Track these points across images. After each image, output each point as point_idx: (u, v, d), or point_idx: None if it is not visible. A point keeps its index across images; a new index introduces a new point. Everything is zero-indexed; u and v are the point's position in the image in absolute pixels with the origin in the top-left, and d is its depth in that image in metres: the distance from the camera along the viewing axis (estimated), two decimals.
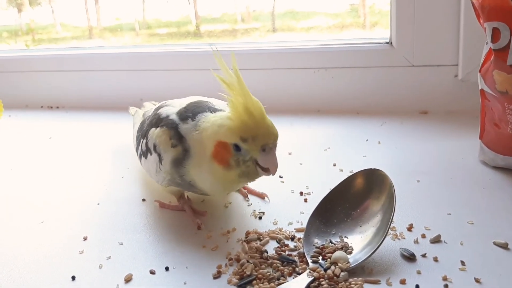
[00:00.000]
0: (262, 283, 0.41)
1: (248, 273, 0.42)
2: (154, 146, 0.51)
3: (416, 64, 0.80)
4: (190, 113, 0.50)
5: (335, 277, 0.41)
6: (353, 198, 0.48)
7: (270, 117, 0.46)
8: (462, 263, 0.42)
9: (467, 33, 0.74)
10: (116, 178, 0.64)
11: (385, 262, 0.43)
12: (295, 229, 0.49)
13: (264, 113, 0.45)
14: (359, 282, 0.40)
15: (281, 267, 0.43)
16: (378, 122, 0.78)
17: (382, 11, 0.91)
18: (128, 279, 0.43)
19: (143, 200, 0.58)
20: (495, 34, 0.54)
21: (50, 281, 0.43)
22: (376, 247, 0.42)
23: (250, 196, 0.56)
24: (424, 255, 0.44)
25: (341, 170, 0.62)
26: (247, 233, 0.49)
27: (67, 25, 1.15)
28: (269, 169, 0.46)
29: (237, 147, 0.45)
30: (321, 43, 0.87)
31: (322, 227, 0.47)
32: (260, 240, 0.47)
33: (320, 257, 0.43)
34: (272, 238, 0.48)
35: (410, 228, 0.48)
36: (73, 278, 0.44)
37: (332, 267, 0.42)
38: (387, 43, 0.82)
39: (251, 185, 0.58)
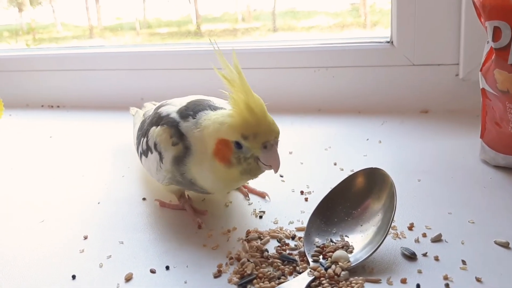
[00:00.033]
0: (263, 282, 0.41)
1: (248, 272, 0.42)
2: (155, 145, 0.51)
3: (417, 63, 0.80)
4: (191, 111, 0.50)
5: (335, 276, 0.41)
6: (354, 197, 0.48)
7: (271, 116, 0.46)
8: (463, 262, 0.42)
9: (468, 32, 0.74)
10: (116, 177, 0.64)
11: (386, 261, 0.43)
12: (295, 228, 0.49)
13: (265, 110, 0.45)
14: (360, 281, 0.40)
15: (282, 266, 0.43)
16: (379, 121, 0.78)
17: (383, 10, 0.91)
18: (128, 278, 0.43)
19: (144, 199, 0.58)
20: (496, 33, 0.54)
21: (51, 280, 0.43)
22: (377, 246, 0.42)
23: (250, 195, 0.56)
24: (425, 254, 0.44)
25: (342, 169, 0.62)
26: (248, 232, 0.49)
27: (67, 25, 1.15)
28: (272, 166, 0.46)
29: (238, 145, 0.45)
30: (322, 42, 0.87)
31: (322, 226, 0.47)
32: (261, 239, 0.47)
33: (321, 256, 0.43)
34: (273, 237, 0.48)
35: (411, 227, 0.48)
36: (74, 277, 0.44)
37: (333, 266, 0.42)
38: (388, 42, 0.82)
39: (252, 184, 0.58)
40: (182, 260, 0.45)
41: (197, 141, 0.48)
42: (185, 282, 0.42)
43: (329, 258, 0.43)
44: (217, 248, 0.47)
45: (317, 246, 0.45)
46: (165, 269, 0.44)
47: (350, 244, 0.45)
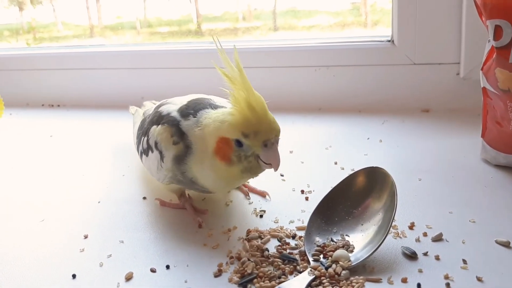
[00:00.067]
0: (263, 281, 0.41)
1: (249, 271, 0.42)
2: (156, 144, 0.51)
3: (417, 62, 0.79)
4: (192, 110, 0.50)
5: (336, 276, 0.41)
6: (355, 196, 0.48)
7: (272, 114, 0.46)
8: (464, 261, 0.42)
9: (469, 31, 0.74)
10: (116, 176, 0.64)
11: (386, 261, 0.43)
12: (296, 227, 0.49)
13: (266, 108, 0.45)
14: (361, 281, 0.40)
15: (282, 265, 0.43)
16: (380, 120, 0.78)
17: (384, 9, 0.91)
18: (128, 277, 0.43)
19: (144, 198, 0.58)
20: (497, 32, 0.54)
21: (51, 280, 0.43)
22: (377, 246, 0.42)
23: (251, 194, 0.56)
24: (425, 254, 0.43)
25: (343, 169, 0.62)
26: (248, 232, 0.48)
27: (68, 24, 1.15)
28: (272, 164, 0.46)
29: (238, 143, 0.45)
30: (323, 41, 0.86)
31: (323, 225, 0.47)
32: (261, 239, 0.47)
33: (321, 256, 0.43)
34: (273, 236, 0.48)
35: (411, 227, 0.48)
36: (74, 276, 0.43)
37: (334, 266, 0.42)
38: (389, 41, 0.82)
39: (252, 183, 0.58)
40: (183, 259, 0.45)
41: (197, 139, 0.48)
42: (186, 281, 0.42)
43: (330, 258, 0.43)
44: (218, 247, 0.47)
45: (317, 245, 0.45)
46: (165, 268, 0.44)
47: (351, 243, 0.45)
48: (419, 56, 0.79)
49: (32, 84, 1.01)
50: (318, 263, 0.42)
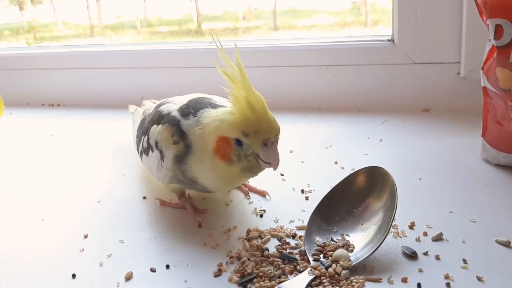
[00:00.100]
0: (263, 281, 0.41)
1: (249, 271, 0.42)
2: (156, 143, 0.51)
3: (418, 62, 0.79)
4: (192, 109, 0.50)
5: (336, 275, 0.41)
6: (355, 196, 0.48)
7: (272, 114, 0.46)
8: (464, 261, 0.42)
9: (470, 30, 0.74)
10: (116, 176, 0.64)
11: (386, 260, 0.43)
12: (296, 227, 0.49)
13: (266, 107, 0.45)
14: (361, 280, 0.40)
15: (282, 265, 0.43)
16: (380, 119, 0.78)
17: (384, 8, 0.91)
18: (128, 277, 0.43)
19: (144, 198, 0.58)
20: (498, 31, 0.54)
21: (51, 280, 0.43)
22: (377, 245, 0.42)
23: (251, 194, 0.56)
24: (426, 253, 0.43)
25: (343, 168, 0.62)
26: (248, 231, 0.48)
27: (68, 23, 1.15)
28: (271, 163, 0.45)
29: (238, 142, 0.45)
30: (323, 40, 0.86)
31: (323, 225, 0.47)
32: (261, 238, 0.47)
33: (322, 255, 0.43)
34: (273, 236, 0.48)
35: (411, 226, 0.48)
36: (74, 276, 0.43)
37: (334, 265, 0.42)
38: (389, 40, 0.81)
39: (252, 182, 0.57)
40: (183, 259, 0.45)
41: (198, 139, 0.48)
42: (185, 281, 0.42)
43: (330, 257, 0.43)
44: (218, 247, 0.47)
45: (317, 245, 0.45)
46: (165, 268, 0.44)
47: (351, 243, 0.44)
48: (419, 56, 0.79)
49: (32, 83, 1.01)
50: (318, 263, 0.42)
